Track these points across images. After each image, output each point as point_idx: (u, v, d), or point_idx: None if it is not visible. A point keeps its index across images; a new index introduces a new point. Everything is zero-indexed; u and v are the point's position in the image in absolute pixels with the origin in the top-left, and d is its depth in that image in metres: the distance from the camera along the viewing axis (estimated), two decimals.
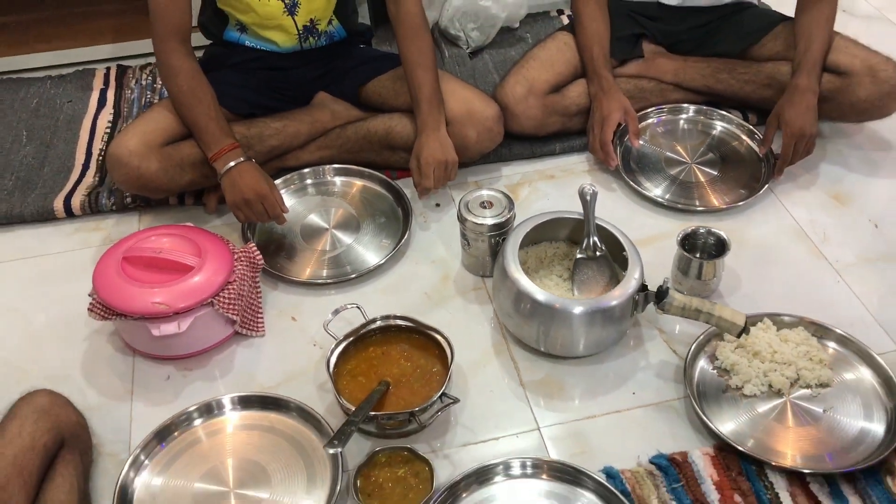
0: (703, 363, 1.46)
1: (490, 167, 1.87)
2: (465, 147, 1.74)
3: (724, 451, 1.33)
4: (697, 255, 1.54)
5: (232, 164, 1.60)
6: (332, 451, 1.23)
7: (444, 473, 1.30)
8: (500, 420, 1.39)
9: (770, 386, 1.40)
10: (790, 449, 1.32)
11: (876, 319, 1.53)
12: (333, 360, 1.38)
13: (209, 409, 1.38)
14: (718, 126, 1.93)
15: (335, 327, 1.43)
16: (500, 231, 1.55)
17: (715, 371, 1.45)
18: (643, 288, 1.43)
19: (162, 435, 1.33)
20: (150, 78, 2.15)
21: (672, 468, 1.30)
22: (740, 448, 1.30)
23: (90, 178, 1.85)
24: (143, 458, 1.30)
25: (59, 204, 1.77)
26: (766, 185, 1.78)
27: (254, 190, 1.59)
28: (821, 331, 1.48)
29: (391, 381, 1.38)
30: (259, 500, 1.27)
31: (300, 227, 1.73)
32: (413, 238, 1.72)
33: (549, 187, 1.83)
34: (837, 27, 1.83)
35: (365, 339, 1.44)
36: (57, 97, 2.09)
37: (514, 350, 1.50)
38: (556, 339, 1.44)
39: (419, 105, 1.70)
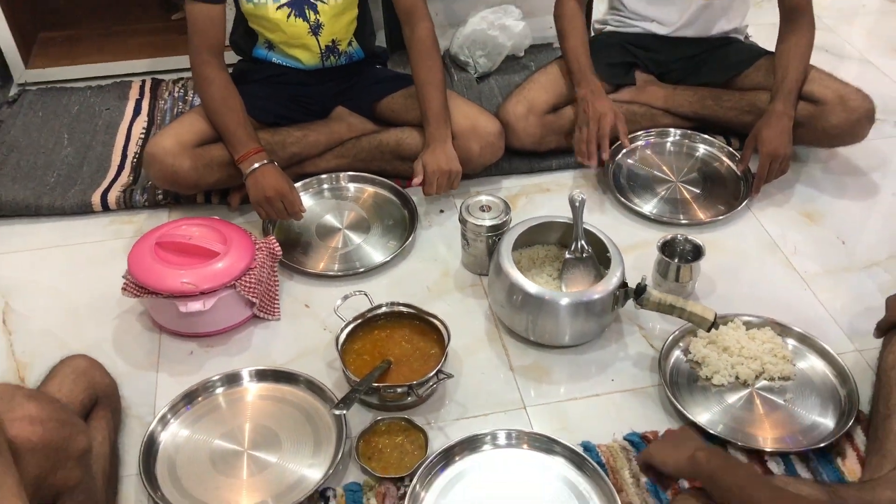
0: (676, 355, 1.60)
1: (491, 179, 2.04)
2: (468, 159, 1.91)
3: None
4: (675, 260, 1.70)
5: (256, 165, 1.77)
6: (337, 412, 1.38)
7: (438, 443, 1.43)
8: (490, 398, 1.53)
9: (737, 377, 1.54)
10: (753, 432, 1.46)
11: (837, 323, 1.67)
12: (342, 338, 1.53)
13: (230, 380, 1.53)
14: (702, 149, 2.09)
15: (344, 313, 1.59)
16: (497, 232, 1.70)
17: (688, 363, 1.59)
18: (623, 285, 1.59)
19: (188, 398, 1.49)
20: (181, 90, 2.34)
21: (643, 444, 1.44)
22: (706, 429, 1.44)
23: (125, 177, 2.02)
24: (169, 416, 1.45)
25: (96, 198, 1.94)
26: (744, 203, 1.94)
27: (275, 189, 1.76)
28: (786, 331, 1.62)
29: (393, 360, 1.53)
30: (269, 461, 1.41)
31: (315, 226, 1.90)
32: (418, 239, 1.88)
33: (544, 199, 1.99)
34: (827, 68, 2.00)
35: (371, 323, 1.59)
36: (96, 105, 2.28)
37: (505, 338, 1.65)
38: (544, 329, 1.59)
39: (428, 120, 1.87)
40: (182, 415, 1.47)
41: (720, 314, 1.58)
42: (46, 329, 1.67)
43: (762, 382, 1.54)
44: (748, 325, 1.62)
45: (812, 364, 1.58)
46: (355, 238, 1.88)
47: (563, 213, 1.70)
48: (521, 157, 2.05)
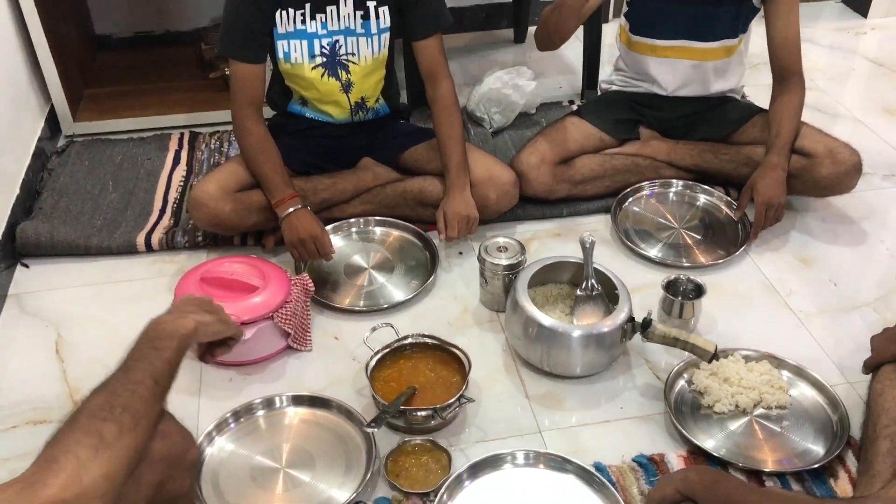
0: (681, 385, 1.72)
1: (506, 224, 2.19)
2: (485, 206, 2.06)
3: (695, 454, 1.58)
4: (679, 298, 1.83)
5: (291, 209, 1.92)
6: (369, 430, 1.51)
7: (460, 463, 1.55)
8: (508, 424, 1.66)
9: (737, 406, 1.66)
10: (753, 455, 1.58)
11: (830, 359, 1.80)
12: (372, 364, 1.66)
13: (269, 403, 1.66)
14: (702, 198, 2.25)
15: (372, 343, 1.71)
16: (513, 271, 1.85)
17: (691, 393, 1.71)
18: (631, 319, 1.72)
19: (233, 418, 1.62)
20: (217, 142, 2.51)
21: (651, 465, 1.56)
22: (711, 452, 1.56)
23: (166, 220, 2.18)
24: (214, 433, 1.58)
25: (140, 240, 2.09)
26: (743, 248, 2.08)
27: (308, 232, 1.91)
28: (781, 364, 1.74)
29: (417, 387, 1.66)
30: (303, 479, 1.53)
31: (344, 266, 2.04)
32: (439, 279, 2.02)
33: (555, 243, 2.14)
34: (820, 126, 2.17)
35: (398, 352, 1.72)
36: (138, 155, 2.45)
37: (521, 369, 1.78)
38: (558, 360, 1.72)
39: (449, 169, 2.03)
40: (226, 433, 1.60)
41: (721, 349, 1.71)
42: (96, 357, 1.81)
43: (760, 410, 1.66)
44: (747, 359, 1.75)
45: (806, 394, 1.70)
46: (380, 277, 2.02)
47: (573, 255, 1.85)
48: (533, 204, 2.20)
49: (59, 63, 2.43)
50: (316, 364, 1.80)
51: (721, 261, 2.06)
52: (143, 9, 2.94)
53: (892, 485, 1.35)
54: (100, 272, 2.05)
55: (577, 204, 2.22)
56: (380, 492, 1.52)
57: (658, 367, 1.78)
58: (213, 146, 2.50)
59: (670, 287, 1.85)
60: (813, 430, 1.63)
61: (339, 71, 2.02)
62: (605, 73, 2.50)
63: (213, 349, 1.37)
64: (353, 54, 2.00)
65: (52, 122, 2.52)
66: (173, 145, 2.50)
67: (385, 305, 1.93)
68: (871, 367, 1.60)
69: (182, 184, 2.33)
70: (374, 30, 1.99)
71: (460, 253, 2.11)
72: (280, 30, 1.95)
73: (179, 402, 1.67)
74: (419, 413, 1.59)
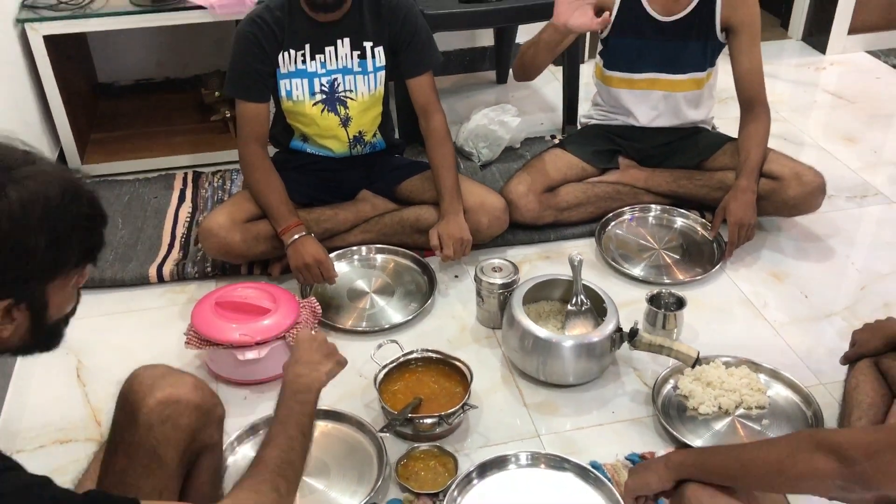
0: (667, 390, 1.85)
1: (498, 249, 2.32)
2: (478, 230, 2.20)
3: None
4: (662, 310, 1.97)
5: (296, 236, 2.05)
6: (380, 434, 1.62)
7: (465, 467, 1.66)
8: (509, 430, 1.77)
9: (720, 407, 1.79)
10: None
11: (804, 363, 1.94)
12: (380, 377, 1.78)
13: None
14: (679, 221, 2.40)
15: (378, 359, 1.83)
16: (508, 289, 1.98)
17: (677, 397, 1.84)
18: (619, 329, 1.85)
19: (251, 431, 1.73)
20: (220, 181, 2.64)
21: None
22: (694, 446, 1.68)
23: (175, 253, 2.29)
24: (236, 444, 1.69)
25: (153, 271, 2.21)
26: (719, 265, 2.23)
27: (313, 257, 2.04)
28: (759, 368, 1.88)
29: (423, 398, 1.78)
30: (317, 487, 1.63)
31: (347, 290, 2.17)
32: (437, 301, 2.15)
33: (545, 265, 2.28)
34: (788, 152, 2.35)
35: (404, 366, 1.84)
36: (145, 194, 2.57)
37: (518, 380, 1.90)
38: (553, 370, 1.85)
39: (443, 196, 2.17)
40: (247, 443, 1.70)
41: (703, 356, 1.85)
42: (116, 380, 1.85)
43: (741, 411, 1.79)
44: (727, 364, 1.88)
45: (782, 394, 1.83)
46: (381, 301, 2.14)
47: (564, 273, 1.99)
48: (523, 230, 2.34)
49: (68, 109, 2.55)
50: None
51: (699, 277, 2.20)
52: (143, 59, 3.08)
53: None
54: (115, 303, 2.16)
55: (563, 229, 2.37)
56: (392, 495, 1.63)
57: (645, 375, 1.91)
58: (216, 184, 2.62)
59: (654, 300, 1.99)
60: (790, 426, 1.76)
61: (338, 107, 2.16)
62: (584, 109, 2.66)
63: None
64: (350, 91, 2.15)
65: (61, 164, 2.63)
66: (178, 184, 2.62)
67: (387, 326, 2.05)
68: (851, 359, 1.73)
69: (189, 220, 2.45)
70: (370, 68, 2.14)
71: (456, 276, 2.24)
72: (282, 70, 2.10)
73: None
74: (426, 420, 1.70)
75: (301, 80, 2.12)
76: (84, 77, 2.94)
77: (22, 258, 0.96)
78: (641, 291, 2.12)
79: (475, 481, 1.61)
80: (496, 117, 2.72)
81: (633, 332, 1.84)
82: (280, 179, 2.12)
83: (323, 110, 2.16)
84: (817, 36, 3.63)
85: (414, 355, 1.85)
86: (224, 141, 2.77)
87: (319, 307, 1.97)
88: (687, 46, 2.28)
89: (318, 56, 2.11)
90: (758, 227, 2.27)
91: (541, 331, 1.82)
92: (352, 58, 2.13)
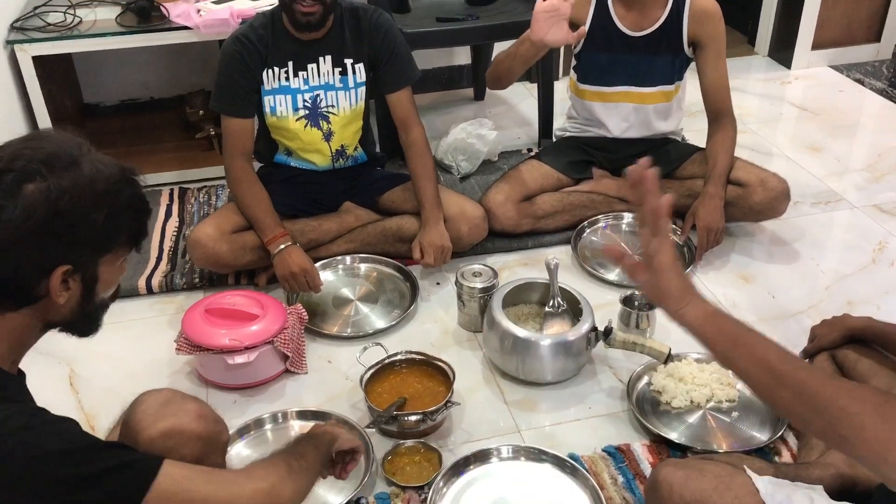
0: (641, 386, 1.93)
1: (478, 256, 2.40)
2: (459, 238, 2.27)
3: (657, 443, 1.78)
4: (635, 310, 2.05)
5: (282, 246, 2.12)
6: (367, 429, 1.69)
7: (449, 462, 1.73)
8: (490, 426, 1.84)
9: (692, 401, 1.87)
10: (708, 440, 1.78)
11: None
12: (366, 378, 1.84)
13: (275, 418, 1.83)
14: None
15: (364, 362, 1.90)
16: (488, 293, 2.05)
17: (651, 392, 1.92)
18: (594, 329, 1.93)
19: (245, 429, 1.80)
20: (205, 196, 2.70)
21: (619, 454, 1.75)
22: (671, 439, 1.76)
23: (164, 265, 2.35)
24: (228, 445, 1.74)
25: (142, 283, 2.26)
26: (689, 268, 2.32)
27: (299, 266, 2.10)
28: None
29: (407, 397, 1.84)
30: None
31: (332, 298, 2.23)
32: (419, 307, 2.22)
33: (523, 271, 2.35)
34: (757, 162, 2.45)
35: (388, 368, 1.90)
36: None
37: (499, 380, 1.97)
38: (532, 368, 1.92)
39: (424, 206, 2.25)
40: (238, 444, 1.76)
41: (675, 353, 1.93)
42: (109, 388, 1.96)
43: (712, 404, 1.87)
44: (698, 361, 1.96)
45: None
46: (365, 308, 2.21)
47: (541, 277, 2.07)
48: (501, 238, 2.42)
49: (55, 128, 2.61)
50: (312, 385, 1.97)
51: None
52: (128, 80, 3.15)
53: (828, 453, 1.57)
54: (105, 314, 2.20)
55: (540, 236, 2.45)
56: (379, 489, 1.69)
57: (620, 373, 1.99)
58: (202, 199, 2.69)
59: (627, 301, 2.07)
60: (759, 419, 1.84)
61: (321, 122, 2.24)
62: (559, 123, 2.76)
63: (346, 465, 1.50)
64: (332, 106, 2.23)
65: None
66: (164, 200, 2.68)
67: (371, 331, 2.12)
68: (811, 352, 1.82)
69: (175, 234, 2.51)
70: (351, 84, 2.23)
71: (437, 283, 2.31)
72: (266, 87, 2.18)
73: None
74: (411, 417, 1.76)
75: (285, 97, 2.20)
76: (71, 97, 3.00)
77: (84, 227, 1.07)
78: (615, 295, 2.20)
79: (460, 473, 1.67)
80: (473, 131, 2.81)
81: (608, 331, 1.92)
82: (265, 192, 2.19)
83: (306, 125, 2.24)
84: (782, 52, 3.76)
85: (398, 357, 1.91)
86: (209, 158, 2.84)
87: (306, 313, 2.03)
88: (656, 61, 2.38)
89: (300, 73, 2.19)
90: (727, 233, 2.36)
91: (520, 331, 1.90)
92: (333, 74, 2.21)
